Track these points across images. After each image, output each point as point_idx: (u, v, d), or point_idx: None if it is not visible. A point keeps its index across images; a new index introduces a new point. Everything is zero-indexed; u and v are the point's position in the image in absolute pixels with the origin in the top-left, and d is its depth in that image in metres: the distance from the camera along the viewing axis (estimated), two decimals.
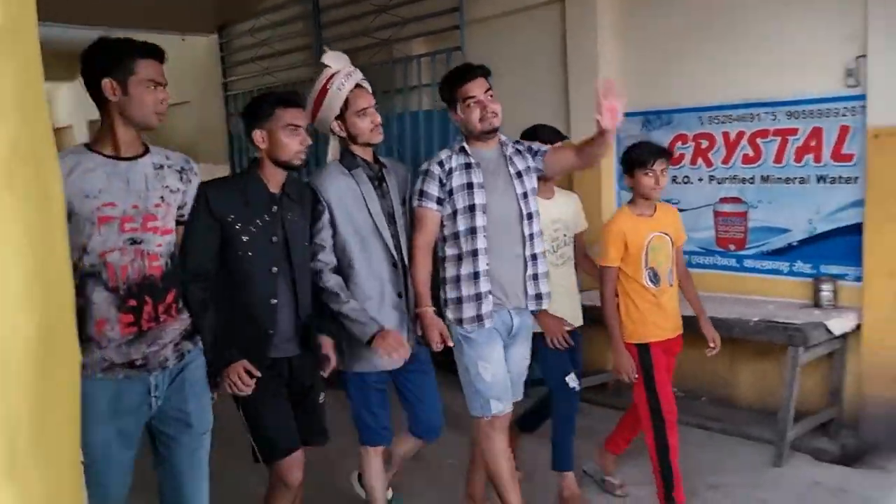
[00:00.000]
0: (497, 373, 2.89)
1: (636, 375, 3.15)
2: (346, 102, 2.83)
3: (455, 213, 2.88)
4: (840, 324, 3.86)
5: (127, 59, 2.15)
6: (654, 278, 3.16)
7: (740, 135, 4.40)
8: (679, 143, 4.65)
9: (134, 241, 2.18)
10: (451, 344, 2.88)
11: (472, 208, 2.86)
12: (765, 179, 4.34)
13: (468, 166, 2.89)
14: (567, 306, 3.37)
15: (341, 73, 2.85)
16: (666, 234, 3.19)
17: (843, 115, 4.02)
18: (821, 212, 4.14)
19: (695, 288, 3.36)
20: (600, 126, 2.65)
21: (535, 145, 3.04)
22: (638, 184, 3.14)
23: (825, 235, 4.14)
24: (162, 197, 2.26)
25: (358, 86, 2.87)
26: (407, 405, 3.02)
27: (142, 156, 2.25)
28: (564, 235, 3.45)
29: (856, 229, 3.99)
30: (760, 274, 4.38)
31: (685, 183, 4.64)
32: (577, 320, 3.46)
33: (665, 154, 3.17)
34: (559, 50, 5.07)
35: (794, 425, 3.82)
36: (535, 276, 2.96)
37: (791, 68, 4.16)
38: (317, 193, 2.79)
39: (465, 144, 2.94)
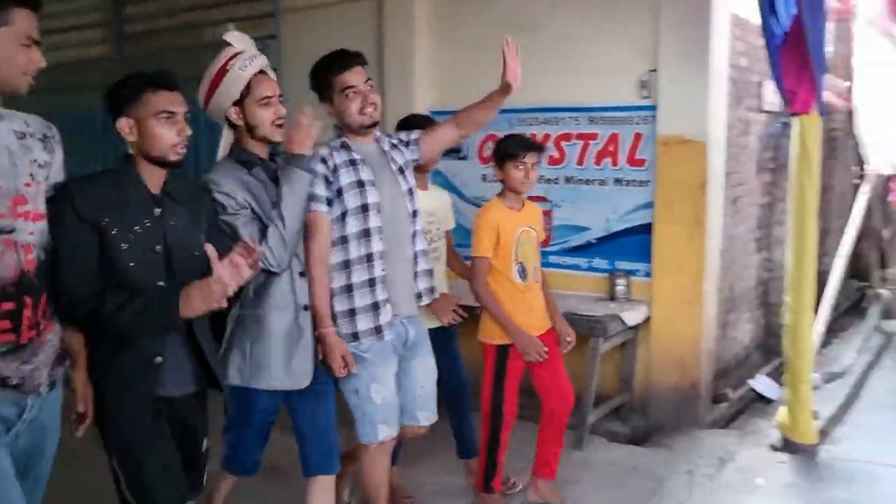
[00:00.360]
0: (388, 395, 2.73)
1: (546, 349, 3.09)
2: (248, 87, 2.50)
3: (345, 214, 2.66)
4: (633, 316, 4.20)
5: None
6: (523, 273, 3.14)
7: (546, 137, 4.65)
8: (490, 143, 4.82)
9: (3, 231, 1.80)
10: (354, 370, 2.66)
11: (364, 208, 2.66)
12: (568, 180, 4.62)
13: (353, 162, 2.68)
14: None
15: (245, 55, 2.52)
16: (533, 228, 3.21)
17: (637, 123, 4.37)
18: (617, 212, 4.47)
19: (548, 286, 3.38)
20: (506, 82, 2.75)
21: (405, 135, 2.91)
22: (508, 177, 3.12)
23: (620, 234, 4.47)
24: (31, 174, 1.88)
25: (262, 72, 2.55)
26: (298, 433, 2.68)
27: None
28: (438, 229, 3.40)
29: (646, 229, 4.35)
30: (563, 269, 4.65)
31: (496, 182, 4.83)
32: None
33: (536, 148, 3.17)
34: (376, 45, 5.09)
35: (593, 411, 4.11)
36: (417, 274, 2.85)
37: (593, 77, 4.46)
38: (213, 194, 2.40)
39: (345, 139, 2.73)
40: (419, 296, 2.87)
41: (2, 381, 1.82)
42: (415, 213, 2.82)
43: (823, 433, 4.11)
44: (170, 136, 2.12)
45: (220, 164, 2.55)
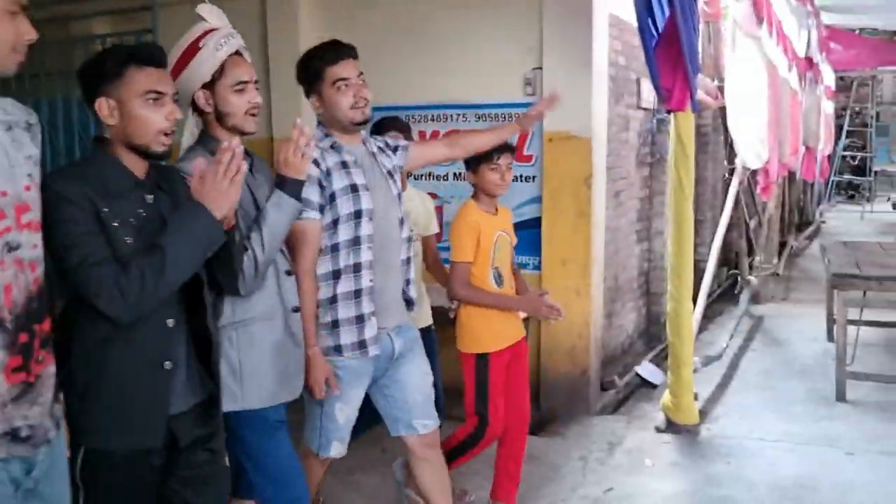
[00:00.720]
0: (350, 415, 2.60)
1: (558, 308, 2.97)
2: (222, 70, 2.20)
3: (336, 221, 2.46)
4: None
5: None
6: (499, 279, 3.01)
7: (435, 134, 4.69)
8: None
9: (11, 247, 1.52)
10: (336, 392, 2.50)
11: (357, 214, 2.48)
12: (457, 177, 4.66)
13: (345, 165, 2.50)
14: (419, 305, 3.20)
15: (220, 32, 2.21)
16: (507, 233, 3.09)
17: None
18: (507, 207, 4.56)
19: (523, 282, 3.27)
20: (539, 112, 2.93)
21: (392, 140, 2.79)
22: (483, 179, 2.98)
23: None
24: (30, 174, 1.60)
25: (238, 53, 2.25)
26: (243, 459, 2.36)
27: None
28: (411, 231, 3.28)
29: (535, 223, 4.46)
30: None
31: None
32: (427, 319, 3.38)
33: (510, 149, 3.07)
34: (260, 42, 4.98)
35: None
36: (406, 283, 2.71)
37: (479, 75, 4.53)
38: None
39: (335, 139, 2.53)
40: (409, 303, 2.74)
41: (13, 434, 1.52)
42: (402, 220, 2.68)
43: (703, 413, 4.35)
44: (157, 121, 1.84)
45: (190, 151, 2.26)
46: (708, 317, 6.31)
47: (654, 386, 4.97)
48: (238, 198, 1.85)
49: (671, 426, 4.15)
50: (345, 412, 2.58)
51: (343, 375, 2.53)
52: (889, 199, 15.50)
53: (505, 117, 4.52)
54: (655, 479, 3.66)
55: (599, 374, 4.63)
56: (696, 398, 4.30)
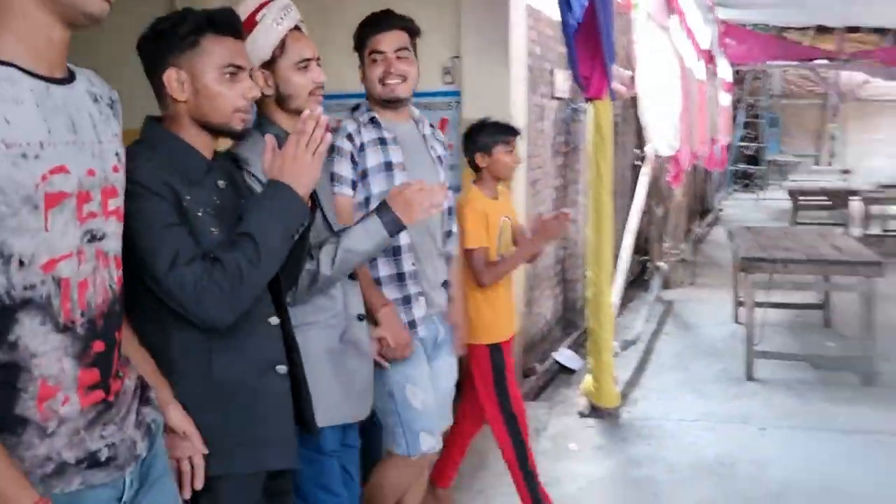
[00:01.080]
0: (427, 399, 2.39)
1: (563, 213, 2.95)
2: (282, 47, 1.98)
3: (368, 199, 2.29)
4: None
5: None
6: None
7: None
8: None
9: (94, 237, 1.28)
10: (413, 342, 2.35)
11: None
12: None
13: (382, 141, 2.34)
14: None
15: (278, 4, 1.97)
16: (509, 218, 3.01)
17: (444, 109, 4.46)
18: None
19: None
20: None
21: (447, 153, 2.62)
22: (497, 163, 2.88)
23: None
24: (117, 153, 1.37)
25: (297, 27, 2.03)
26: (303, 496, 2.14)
27: (71, 78, 1.30)
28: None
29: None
30: None
31: None
32: None
33: (518, 132, 2.97)
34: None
35: None
36: (446, 283, 2.58)
37: None
38: (245, 170, 1.89)
39: (374, 114, 2.38)
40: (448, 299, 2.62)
41: (90, 459, 1.26)
42: (451, 210, 2.54)
43: (623, 396, 4.45)
44: (233, 98, 1.63)
45: (248, 137, 2.01)
46: (622, 302, 6.46)
47: (572, 371, 5.06)
48: (319, 174, 1.63)
49: (594, 410, 4.23)
50: (417, 395, 2.38)
51: None
52: (781, 186, 16.31)
53: (424, 106, 4.47)
54: (581, 463, 3.72)
55: (521, 362, 4.67)
56: (615, 382, 4.39)
